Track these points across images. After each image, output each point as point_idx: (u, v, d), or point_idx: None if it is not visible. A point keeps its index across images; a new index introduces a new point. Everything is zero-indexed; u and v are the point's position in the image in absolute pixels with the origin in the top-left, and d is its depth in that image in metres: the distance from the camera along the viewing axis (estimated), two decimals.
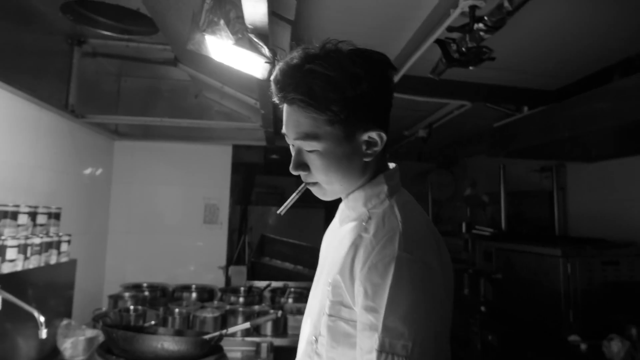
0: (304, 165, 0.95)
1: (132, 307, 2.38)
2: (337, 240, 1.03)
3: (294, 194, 1.03)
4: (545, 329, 2.64)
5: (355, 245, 0.92)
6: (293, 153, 0.95)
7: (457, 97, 2.76)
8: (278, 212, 1.06)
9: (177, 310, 2.38)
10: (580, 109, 2.33)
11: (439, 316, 0.81)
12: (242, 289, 2.87)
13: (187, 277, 3.00)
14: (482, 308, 3.43)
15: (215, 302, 2.70)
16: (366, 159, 0.94)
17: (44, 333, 1.53)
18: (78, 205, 2.54)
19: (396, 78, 2.49)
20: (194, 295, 2.79)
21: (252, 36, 1.11)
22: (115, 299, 2.53)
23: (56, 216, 2.10)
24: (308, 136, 0.89)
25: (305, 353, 1.02)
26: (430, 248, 0.87)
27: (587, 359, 2.25)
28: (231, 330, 1.92)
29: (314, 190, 1.00)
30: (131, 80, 2.97)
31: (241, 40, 1.15)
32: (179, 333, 2.07)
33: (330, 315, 0.93)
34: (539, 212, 3.66)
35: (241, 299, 2.70)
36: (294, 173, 0.96)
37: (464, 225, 4.20)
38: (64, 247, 2.09)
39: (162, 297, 2.76)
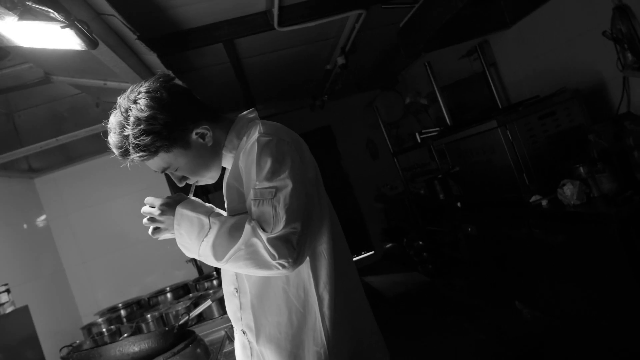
0: (182, 177, 1.24)
1: (104, 329, 2.33)
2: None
3: (191, 191, 1.28)
4: (509, 200, 2.64)
5: (237, 157, 1.20)
6: (171, 176, 1.24)
7: (347, 8, 2.65)
8: None
9: (149, 315, 2.34)
10: None
11: (294, 173, 1.08)
12: (214, 273, 2.83)
13: (160, 282, 2.94)
14: (458, 204, 3.45)
15: (191, 295, 2.66)
16: (210, 144, 1.21)
17: None
18: (15, 253, 2.44)
19: (275, 10, 2.37)
20: (169, 296, 2.75)
21: (30, 3, 1.00)
22: (88, 328, 2.47)
23: None
24: (165, 168, 1.19)
25: None
26: (284, 132, 1.18)
27: (550, 213, 2.27)
28: (193, 313, 1.88)
29: (201, 183, 1.29)
30: (25, 114, 2.80)
31: (26, 12, 1.04)
32: None
33: (230, 214, 1.20)
34: (479, 95, 3.62)
35: (215, 282, 2.66)
36: (181, 185, 1.26)
37: (417, 136, 4.17)
38: (3, 297, 2.01)
39: (138, 309, 2.71)
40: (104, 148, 3.17)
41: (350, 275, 1.28)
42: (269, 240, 1.01)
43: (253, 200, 1.06)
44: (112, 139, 1.14)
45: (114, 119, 1.14)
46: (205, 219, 1.11)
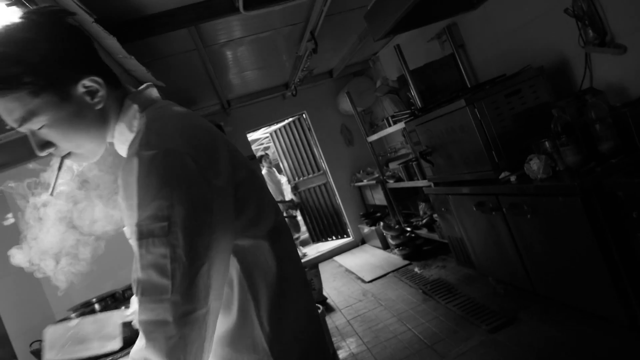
0: (47, 144, 0.90)
1: None
2: None
3: (57, 172, 0.98)
4: (481, 178, 2.69)
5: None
6: (30, 138, 0.90)
7: None
8: (49, 194, 1.03)
9: (123, 307, 2.30)
10: None
11: (191, 193, 0.78)
12: None
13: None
14: (431, 185, 3.49)
15: None
16: (98, 107, 0.90)
17: None
18: None
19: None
20: None
21: None
22: None
23: None
24: (25, 118, 0.84)
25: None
26: (177, 133, 0.84)
27: (519, 188, 2.31)
28: None
29: (73, 159, 0.96)
30: None
31: None
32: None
33: (130, 239, 0.89)
34: (449, 77, 3.66)
35: None
36: (42, 154, 0.91)
37: (390, 119, 4.19)
38: None
39: (113, 302, 2.66)
40: None
41: (295, 277, 1.02)
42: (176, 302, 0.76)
43: (138, 240, 0.77)
44: None
45: None
46: None
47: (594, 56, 2.46)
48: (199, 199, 0.79)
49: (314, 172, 6.55)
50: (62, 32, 0.87)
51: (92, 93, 0.89)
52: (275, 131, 6.87)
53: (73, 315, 2.51)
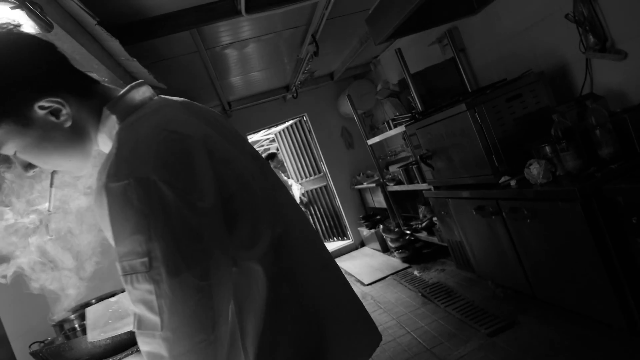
0: (30, 164, 0.88)
1: (77, 325, 2.29)
2: None
3: (50, 189, 0.97)
4: (481, 183, 2.69)
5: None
6: (14, 159, 0.88)
7: None
8: (47, 210, 1.02)
9: None
10: None
11: (171, 223, 0.72)
12: None
13: None
14: (431, 189, 3.49)
15: None
16: (67, 125, 0.84)
17: None
18: None
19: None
20: None
21: None
22: (60, 325, 2.42)
23: None
24: None
25: None
26: (151, 157, 0.75)
27: (519, 193, 2.31)
28: None
29: (63, 174, 0.97)
30: None
31: None
32: None
33: None
34: (450, 81, 3.67)
35: None
36: (29, 175, 0.90)
37: (390, 123, 4.20)
38: None
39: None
40: None
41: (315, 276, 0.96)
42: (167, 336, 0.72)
43: (123, 276, 0.74)
44: None
45: None
46: None
47: (594, 62, 2.47)
48: (182, 228, 0.73)
49: (314, 174, 6.57)
50: (4, 55, 0.80)
51: (55, 112, 0.82)
52: (280, 132, 6.92)
53: (72, 316, 2.51)
